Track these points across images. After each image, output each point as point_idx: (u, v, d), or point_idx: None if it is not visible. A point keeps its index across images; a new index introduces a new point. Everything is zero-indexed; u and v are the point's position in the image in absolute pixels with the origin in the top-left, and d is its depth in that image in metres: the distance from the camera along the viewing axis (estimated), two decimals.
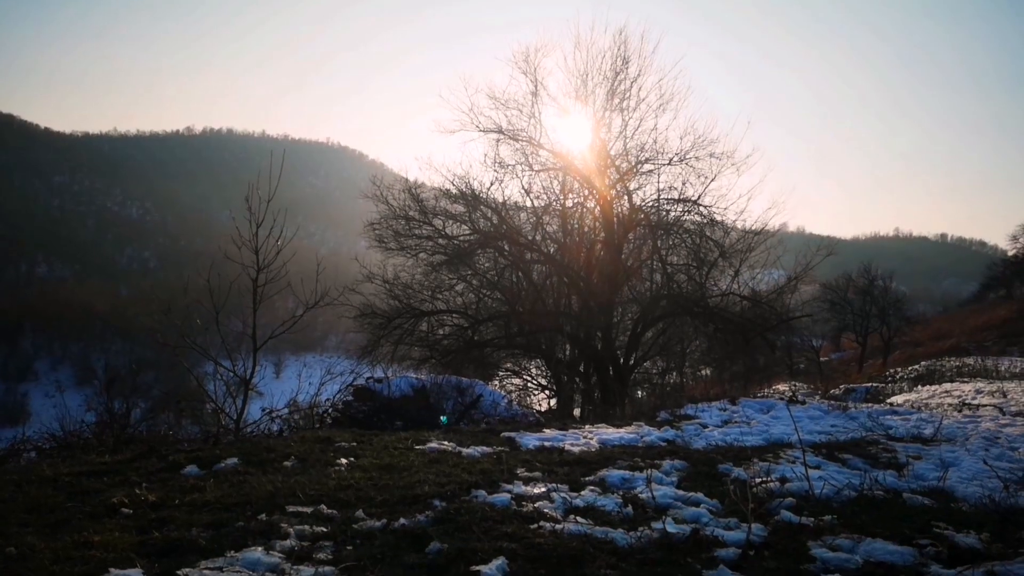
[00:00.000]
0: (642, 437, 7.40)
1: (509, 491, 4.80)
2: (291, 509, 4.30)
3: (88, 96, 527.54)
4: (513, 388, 22.97)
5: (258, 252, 8.64)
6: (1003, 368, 22.33)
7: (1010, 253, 61.76)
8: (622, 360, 18.59)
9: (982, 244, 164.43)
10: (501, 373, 23.09)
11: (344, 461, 5.61)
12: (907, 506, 5.05)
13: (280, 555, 3.51)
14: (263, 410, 10.47)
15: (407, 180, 18.97)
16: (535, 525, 4.10)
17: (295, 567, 3.37)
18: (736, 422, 8.84)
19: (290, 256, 9.31)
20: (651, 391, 25.48)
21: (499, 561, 3.42)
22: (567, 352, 20.56)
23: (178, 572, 3.27)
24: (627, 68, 16.96)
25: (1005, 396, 14.33)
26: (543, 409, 20.30)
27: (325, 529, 3.95)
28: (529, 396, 22.41)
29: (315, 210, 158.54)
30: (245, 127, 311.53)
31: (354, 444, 6.33)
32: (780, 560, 3.83)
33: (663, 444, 7.15)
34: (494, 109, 17.28)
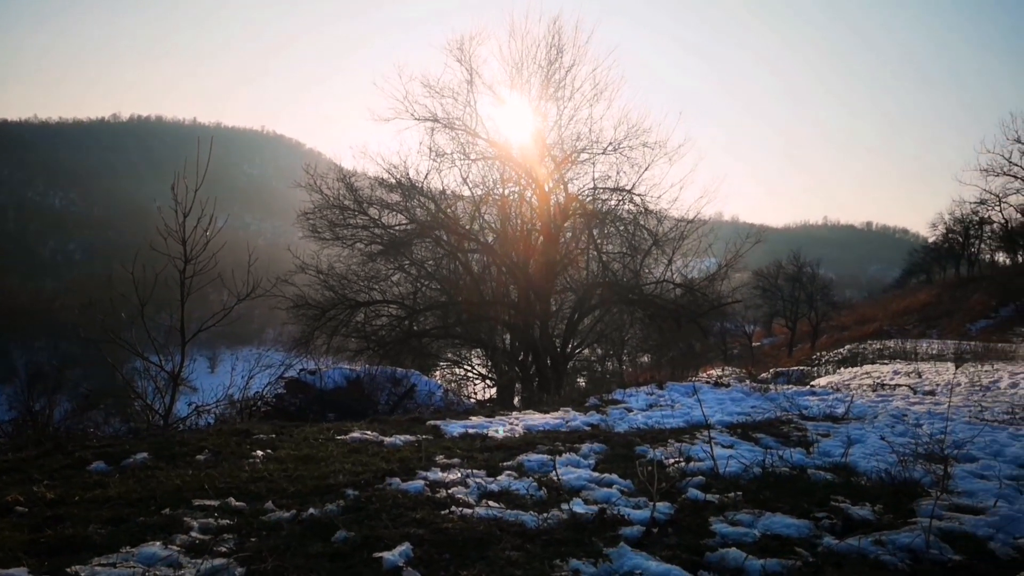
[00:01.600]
0: (567, 422, 7.52)
1: (425, 478, 4.81)
2: (198, 503, 4.20)
3: (2, 82, 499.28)
4: (453, 378, 23.01)
5: (185, 243, 8.38)
6: (921, 350, 23.52)
7: (930, 240, 64.89)
8: (559, 348, 18.81)
9: (905, 232, 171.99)
10: (441, 363, 23.08)
11: (260, 453, 5.52)
12: (811, 482, 5.27)
13: (179, 549, 3.44)
14: (189, 405, 10.22)
15: (341, 169, 18.67)
16: (446, 511, 4.12)
17: (193, 560, 3.30)
18: (661, 406, 9.07)
19: (220, 247, 9.05)
20: (590, 378, 25.90)
21: (404, 547, 3.43)
22: (506, 341, 20.66)
23: (68, 570, 3.16)
24: (561, 57, 17.09)
25: (920, 376, 15.12)
26: (484, 398, 20.40)
27: (231, 522, 3.88)
28: (470, 386, 22.48)
29: (251, 200, 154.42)
30: (176, 114, 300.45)
31: (273, 436, 6.23)
32: (682, 536, 3.95)
33: (587, 428, 7.28)
34: (429, 97, 17.20)
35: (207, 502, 4.22)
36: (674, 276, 18.50)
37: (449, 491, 4.54)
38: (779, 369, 21.95)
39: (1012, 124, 57.60)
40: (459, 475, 4.93)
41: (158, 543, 3.49)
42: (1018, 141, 49.20)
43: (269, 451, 5.64)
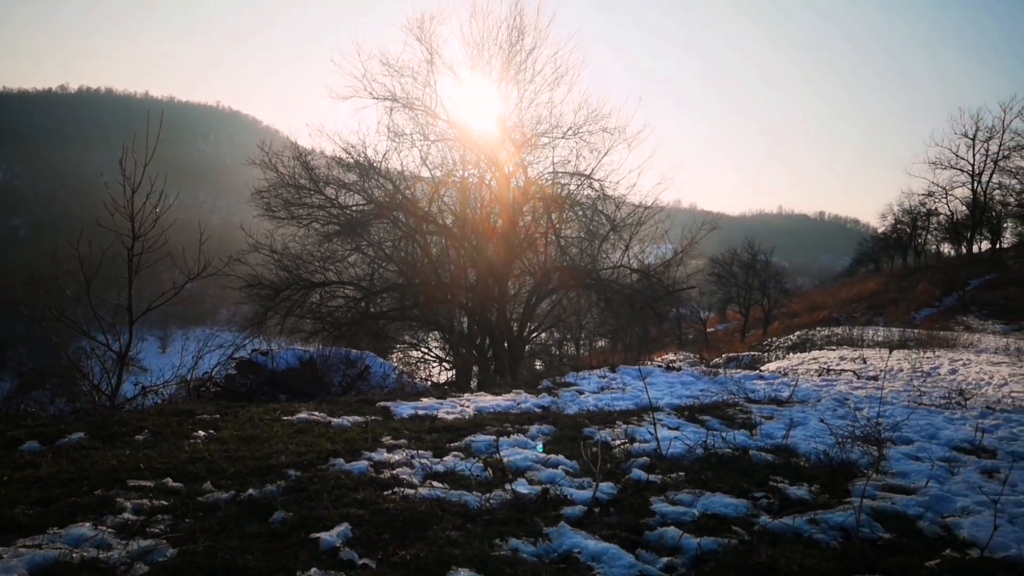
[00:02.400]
0: (519, 404, 7.54)
1: (369, 459, 4.78)
2: (133, 484, 4.10)
3: None
4: (410, 361, 22.92)
5: (133, 219, 8.15)
6: (867, 337, 24.25)
7: (879, 231, 66.80)
8: (516, 331, 18.86)
9: (855, 222, 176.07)
10: (398, 346, 22.97)
11: (202, 434, 5.40)
12: (752, 463, 5.39)
13: (109, 530, 3.35)
14: (136, 385, 9.97)
15: (297, 147, 18.28)
16: (389, 491, 4.10)
17: (123, 541, 3.21)
18: (612, 389, 9.17)
19: (170, 223, 8.83)
20: (547, 362, 26.09)
21: (342, 527, 3.40)
22: (464, 324, 20.62)
23: None
24: (523, 40, 16.97)
25: (865, 362, 15.59)
26: (441, 381, 20.37)
27: (166, 503, 3.80)
28: (427, 369, 22.43)
29: (205, 177, 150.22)
30: (127, 87, 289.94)
31: (217, 416, 6.10)
32: (623, 515, 4.01)
33: (537, 411, 7.32)
34: (388, 76, 16.92)
35: (143, 483, 4.11)
36: (631, 261, 18.70)
37: (393, 472, 4.51)
38: (731, 354, 22.38)
39: (960, 119, 59.39)
40: (405, 456, 4.91)
41: (87, 524, 3.40)
42: (965, 136, 51.02)
43: (211, 431, 5.53)
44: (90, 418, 5.84)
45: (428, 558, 3.12)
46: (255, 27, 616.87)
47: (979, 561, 3.58)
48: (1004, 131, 48.79)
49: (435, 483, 4.36)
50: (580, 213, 18.17)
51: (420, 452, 5.05)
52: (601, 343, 31.23)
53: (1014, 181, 47.65)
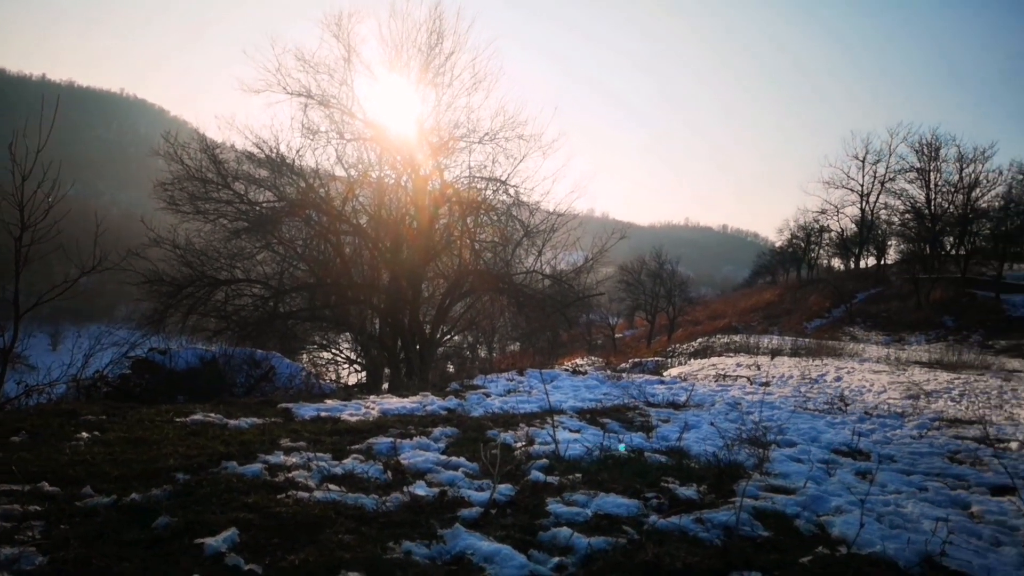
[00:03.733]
0: (425, 406, 7.53)
1: (265, 462, 4.67)
2: (3, 488, 3.84)
3: None
4: (321, 362, 22.43)
5: (23, 208, 7.63)
6: (763, 345, 25.50)
7: (777, 244, 70.75)
8: (429, 333, 18.78)
9: (756, 235, 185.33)
10: (309, 347, 22.44)
11: (86, 435, 5.12)
12: (647, 464, 5.60)
13: None
14: (18, 384, 9.34)
15: (205, 139, 17.52)
16: (283, 495, 4.02)
17: None
18: (519, 392, 9.29)
19: (64, 214, 8.34)
20: (460, 364, 26.10)
21: (229, 532, 3.31)
22: (376, 326, 20.35)
23: None
24: (442, 43, 16.94)
25: (759, 368, 16.41)
26: (352, 383, 20.00)
27: (40, 508, 3.59)
28: (338, 370, 22.01)
29: (106, 167, 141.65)
30: (21, 68, 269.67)
31: (103, 417, 5.79)
32: (519, 516, 4.08)
33: (443, 413, 7.33)
34: (303, 72, 16.50)
35: (14, 487, 3.87)
36: (544, 267, 19.00)
37: (289, 475, 4.43)
38: (637, 359, 23.02)
39: (852, 142, 63.58)
40: (302, 459, 4.82)
41: None
42: (856, 158, 54.66)
43: (96, 433, 5.24)
44: None
45: (317, 562, 3.09)
46: (165, 12, 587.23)
47: (847, 557, 3.84)
48: (891, 155, 52.78)
49: (332, 486, 4.31)
50: (495, 218, 18.31)
51: (319, 455, 4.97)
52: (513, 346, 31.51)
53: (898, 202, 51.41)
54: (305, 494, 4.05)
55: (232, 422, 5.98)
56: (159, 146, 17.01)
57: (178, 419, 5.96)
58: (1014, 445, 7.48)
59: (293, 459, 4.79)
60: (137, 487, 3.99)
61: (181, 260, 16.64)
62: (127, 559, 3.00)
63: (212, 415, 6.18)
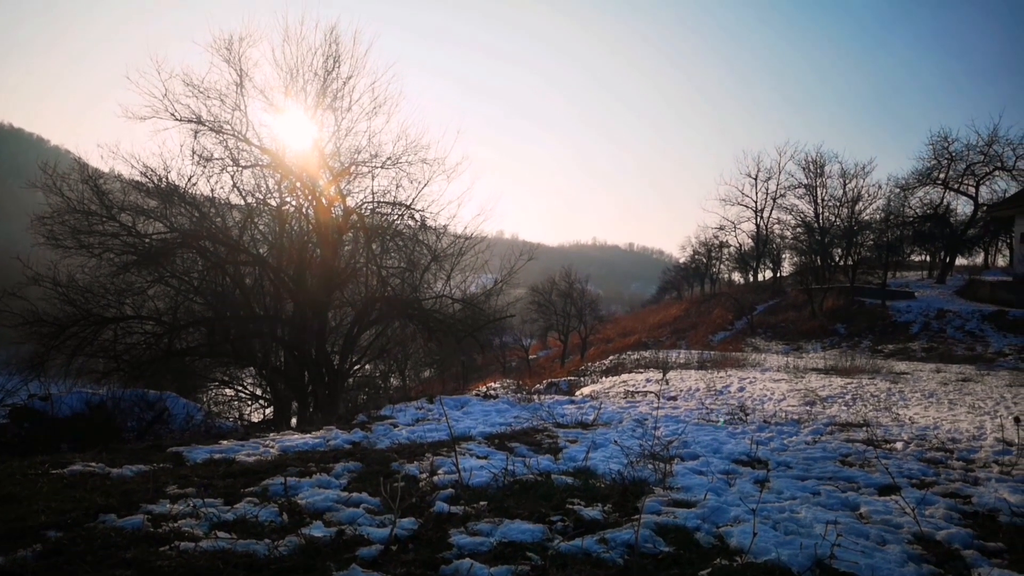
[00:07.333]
0: (328, 441, 7.28)
1: (149, 512, 4.36)
2: None
3: None
4: (223, 400, 21.44)
5: None
6: (672, 359, 26.26)
7: (680, 261, 73.67)
8: (337, 364, 18.30)
9: (661, 252, 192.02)
10: (210, 384, 21.39)
11: None
12: (554, 486, 5.59)
13: None
14: None
15: (86, 167, 16.55)
16: (166, 547, 3.75)
17: None
18: (429, 420, 9.14)
19: None
20: (372, 394, 25.52)
21: None
22: (282, 359, 19.65)
23: None
24: (339, 67, 16.78)
25: (668, 383, 16.86)
26: (258, 420, 19.16)
27: None
28: (242, 408, 21.09)
29: None
30: None
31: None
32: (420, 551, 3.97)
33: (347, 447, 7.10)
34: (192, 97, 15.89)
35: None
36: (453, 291, 18.96)
37: (175, 524, 4.15)
38: (551, 380, 23.24)
39: (744, 160, 67.18)
40: (191, 506, 4.52)
41: None
42: (749, 175, 57.73)
43: None
44: None
45: None
46: (41, 35, 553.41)
47: (743, 567, 3.92)
48: (780, 172, 55.93)
49: (222, 533, 4.06)
50: (401, 243, 18.17)
51: (208, 501, 4.68)
52: (427, 373, 31.16)
53: (790, 216, 54.51)
54: (191, 544, 3.79)
55: (115, 471, 5.57)
56: (36, 177, 15.94)
57: (54, 471, 5.49)
58: (899, 445, 7.96)
59: (179, 507, 4.49)
60: (2, 548, 3.63)
61: (63, 299, 15.59)
62: None
63: (93, 464, 5.74)
